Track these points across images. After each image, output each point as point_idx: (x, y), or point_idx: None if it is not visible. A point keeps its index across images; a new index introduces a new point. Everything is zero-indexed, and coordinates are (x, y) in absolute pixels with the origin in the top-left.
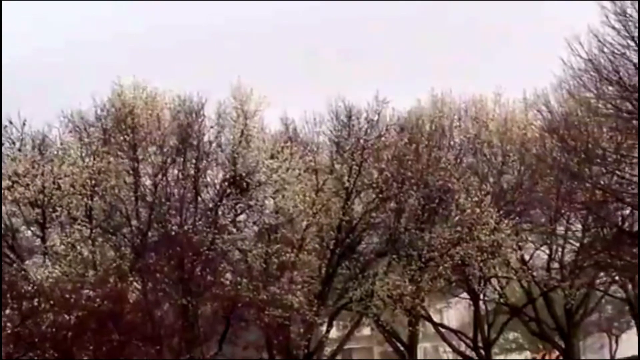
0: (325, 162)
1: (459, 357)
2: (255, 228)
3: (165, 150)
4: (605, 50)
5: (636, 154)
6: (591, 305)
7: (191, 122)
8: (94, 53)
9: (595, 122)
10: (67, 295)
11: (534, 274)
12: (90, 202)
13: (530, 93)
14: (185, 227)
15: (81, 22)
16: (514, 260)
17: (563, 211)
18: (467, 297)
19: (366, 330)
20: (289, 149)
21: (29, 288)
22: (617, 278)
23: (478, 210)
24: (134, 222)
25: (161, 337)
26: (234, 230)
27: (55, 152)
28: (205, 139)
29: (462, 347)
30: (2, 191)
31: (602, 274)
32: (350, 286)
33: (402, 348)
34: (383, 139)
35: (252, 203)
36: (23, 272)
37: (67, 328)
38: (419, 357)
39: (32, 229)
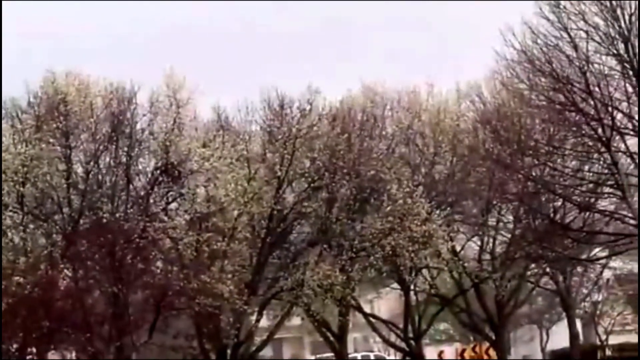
0: (257, 151)
1: (389, 348)
2: (187, 216)
3: (97, 137)
4: (539, 41)
5: (568, 146)
6: (522, 297)
7: (124, 109)
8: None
9: (528, 114)
10: None
11: (465, 265)
12: (22, 188)
13: (463, 84)
14: (117, 215)
15: (12, 11)
16: (445, 251)
17: (495, 202)
18: (398, 287)
19: (296, 320)
20: (221, 137)
21: None
22: (548, 270)
23: (410, 200)
24: (65, 209)
25: (91, 324)
26: (165, 218)
27: None
28: (138, 126)
29: (393, 338)
30: None
31: (533, 265)
32: (280, 275)
33: (332, 338)
34: (315, 128)
35: (183, 191)
36: None
37: None
38: (349, 347)
39: None
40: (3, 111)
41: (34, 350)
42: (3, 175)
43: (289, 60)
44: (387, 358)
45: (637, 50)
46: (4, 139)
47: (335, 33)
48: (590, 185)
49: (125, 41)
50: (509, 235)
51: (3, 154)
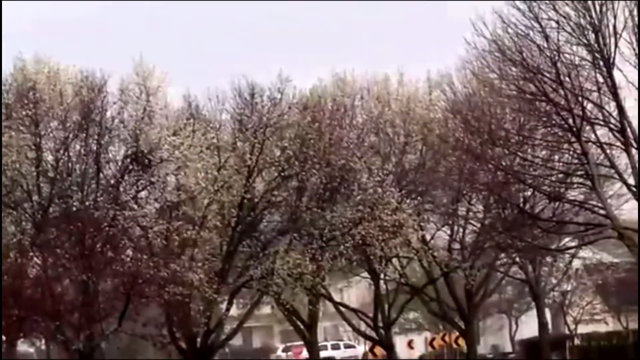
0: (228, 140)
1: (359, 336)
2: (157, 205)
3: (67, 125)
4: (510, 31)
5: (538, 136)
6: (491, 286)
7: (94, 98)
8: None
9: (499, 103)
10: None
11: (435, 254)
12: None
13: (434, 73)
14: (87, 203)
15: None
16: (415, 240)
17: (465, 192)
18: (368, 276)
19: (266, 309)
20: (191, 126)
21: None
22: (517, 259)
23: (380, 190)
24: (35, 197)
25: (61, 312)
26: (135, 206)
27: None
28: (108, 115)
29: (363, 327)
30: None
31: (502, 255)
32: (251, 264)
33: (302, 327)
34: (285, 117)
35: (153, 180)
36: None
37: None
38: (318, 336)
39: None
40: None
41: (4, 338)
42: None
43: (260, 49)
44: (357, 346)
45: (607, 40)
46: None
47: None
48: (560, 175)
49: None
50: (479, 225)
51: None
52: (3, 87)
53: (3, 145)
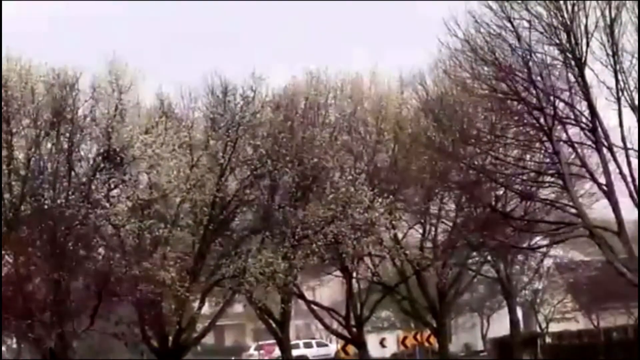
0: (200, 138)
1: (331, 335)
2: (129, 203)
3: (39, 123)
4: (482, 30)
5: (510, 135)
6: (463, 285)
7: (65, 95)
8: None
9: (471, 103)
10: None
11: (407, 252)
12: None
13: (406, 72)
14: (58, 201)
15: None
16: (387, 238)
17: (437, 190)
18: (340, 275)
19: (239, 307)
20: (163, 124)
21: None
22: (489, 258)
23: (352, 188)
24: (6, 196)
25: (32, 311)
26: (107, 205)
27: None
28: (80, 112)
29: (335, 325)
30: None
31: (474, 253)
32: (223, 263)
33: (274, 325)
34: (258, 115)
35: (126, 178)
36: None
37: None
38: (291, 335)
39: None
40: None
41: None
42: None
43: (233, 47)
44: (330, 345)
45: (579, 40)
46: None
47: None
48: (532, 174)
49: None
50: (451, 224)
51: None
52: None
53: None
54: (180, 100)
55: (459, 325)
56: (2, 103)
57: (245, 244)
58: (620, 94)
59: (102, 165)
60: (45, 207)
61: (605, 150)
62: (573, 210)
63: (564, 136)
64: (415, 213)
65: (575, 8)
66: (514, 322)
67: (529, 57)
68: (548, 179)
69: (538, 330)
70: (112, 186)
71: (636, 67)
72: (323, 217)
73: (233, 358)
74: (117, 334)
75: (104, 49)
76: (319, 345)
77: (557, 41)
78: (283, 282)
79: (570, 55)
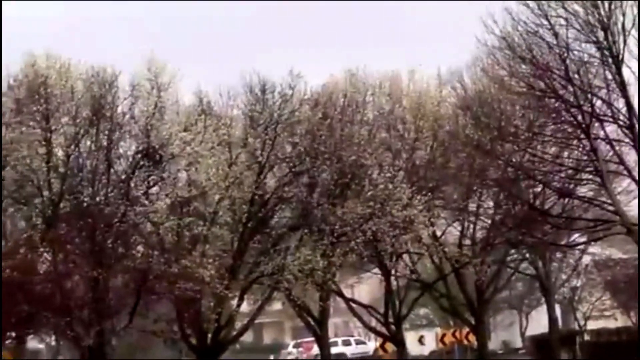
0: (239, 136)
1: (370, 332)
2: (168, 200)
3: (78, 121)
4: (519, 28)
5: (547, 132)
6: (502, 282)
7: (104, 93)
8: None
9: (508, 100)
10: None
11: (446, 250)
12: (1, 172)
13: (444, 70)
14: (98, 199)
15: None
16: (426, 236)
17: (475, 188)
18: (379, 272)
19: (277, 305)
20: (202, 121)
21: None
22: (527, 255)
23: (391, 185)
24: (45, 193)
25: (71, 308)
26: (147, 202)
27: None
28: (119, 110)
29: (373, 323)
30: None
31: (512, 251)
32: (261, 260)
33: (313, 322)
34: (297, 113)
35: (164, 175)
36: None
37: None
38: (329, 332)
39: None
40: None
41: (13, 334)
42: None
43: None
44: (368, 343)
45: (616, 37)
46: None
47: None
48: (570, 172)
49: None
50: (489, 221)
51: None
52: (13, 83)
53: (14, 141)
54: (218, 98)
55: (498, 322)
56: (42, 100)
57: (283, 242)
58: None
59: (141, 162)
60: (85, 204)
61: None
62: (611, 208)
63: (601, 133)
64: (453, 210)
65: (612, 6)
66: (552, 320)
67: (566, 54)
68: (586, 176)
69: (576, 327)
70: (151, 184)
71: None
72: (361, 214)
73: (272, 356)
74: (155, 331)
75: (142, 48)
76: (358, 343)
77: (594, 39)
78: (322, 279)
79: (607, 53)
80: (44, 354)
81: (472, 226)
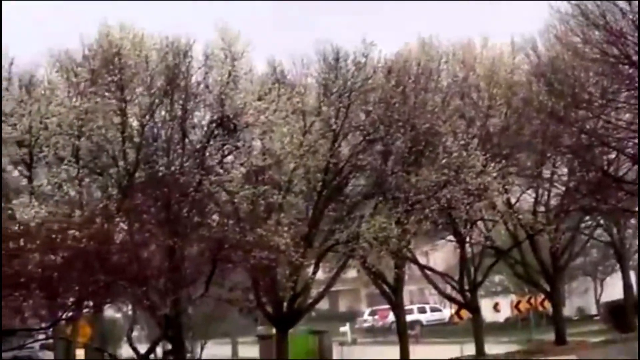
0: (313, 104)
1: (445, 300)
2: (243, 169)
3: (152, 91)
4: None
5: (621, 99)
6: (576, 249)
7: (179, 63)
8: None
9: (582, 67)
10: (54, 236)
11: (520, 217)
12: (77, 142)
13: (517, 37)
14: (173, 168)
15: None
16: (500, 203)
17: (549, 155)
18: (453, 239)
19: (352, 273)
20: (276, 90)
21: (15, 228)
22: (602, 222)
23: (465, 153)
24: (121, 163)
25: (147, 277)
26: (221, 171)
27: (43, 92)
28: (193, 80)
29: (448, 290)
30: None
31: (587, 217)
32: (336, 228)
33: (388, 290)
34: (370, 81)
35: (239, 144)
36: (10, 212)
37: (53, 268)
38: (404, 299)
39: (18, 168)
40: (58, 64)
41: (91, 303)
42: (58, 129)
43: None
44: (443, 310)
45: None
46: (58, 92)
47: None
48: None
49: None
50: (563, 188)
51: (58, 107)
52: (89, 53)
53: (89, 111)
54: (292, 66)
55: (573, 289)
56: (117, 71)
57: (358, 210)
58: None
59: (215, 132)
60: (160, 174)
61: None
62: None
63: None
64: (527, 177)
65: None
66: (627, 286)
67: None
68: None
69: None
70: (226, 153)
71: None
72: (436, 182)
73: (347, 324)
74: (231, 300)
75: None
76: (433, 310)
77: None
78: (396, 247)
79: None
80: (121, 323)
81: (546, 193)
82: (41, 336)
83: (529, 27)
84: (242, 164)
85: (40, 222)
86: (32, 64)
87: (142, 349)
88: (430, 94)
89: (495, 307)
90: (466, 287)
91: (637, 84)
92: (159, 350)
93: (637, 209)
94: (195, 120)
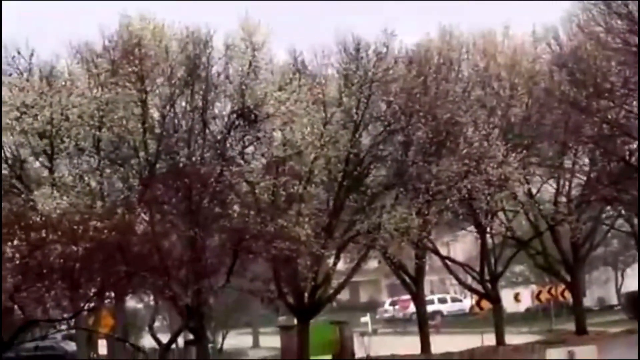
0: (334, 95)
1: (466, 290)
2: (263, 160)
3: (173, 81)
4: None
5: None
6: (597, 239)
7: (199, 53)
8: None
9: (604, 56)
10: (75, 226)
11: (541, 207)
12: (98, 133)
13: (539, 27)
14: (193, 159)
15: None
16: (521, 193)
17: (570, 145)
18: (474, 230)
19: (373, 263)
20: (297, 81)
21: (37, 219)
22: (623, 212)
23: (486, 143)
24: (141, 154)
25: (169, 268)
26: (242, 162)
27: (63, 83)
28: (213, 70)
29: (469, 280)
30: (10, 121)
31: (608, 208)
32: (357, 219)
33: (409, 281)
34: (391, 71)
35: (260, 135)
36: (31, 203)
37: (75, 259)
38: (425, 290)
39: (40, 159)
40: (78, 55)
41: (112, 294)
42: (79, 120)
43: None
44: (464, 300)
45: None
46: (79, 83)
47: None
48: None
49: None
50: (585, 178)
51: (78, 98)
52: (109, 44)
53: (110, 102)
54: (313, 57)
55: (593, 279)
56: (137, 61)
57: (379, 200)
58: None
59: (236, 122)
60: (181, 164)
61: None
62: None
63: None
64: (549, 167)
65: None
66: None
67: None
68: None
69: None
70: (247, 143)
71: None
72: (457, 172)
73: (368, 314)
74: (252, 290)
75: (236, 7)
76: (453, 300)
77: None
78: (417, 237)
79: None
80: (143, 314)
81: (567, 183)
82: (63, 327)
83: (551, 16)
84: (262, 155)
85: (62, 213)
86: (53, 55)
87: (164, 339)
88: (451, 84)
89: (516, 298)
90: (487, 278)
91: None
92: (180, 340)
93: None
94: (216, 110)
